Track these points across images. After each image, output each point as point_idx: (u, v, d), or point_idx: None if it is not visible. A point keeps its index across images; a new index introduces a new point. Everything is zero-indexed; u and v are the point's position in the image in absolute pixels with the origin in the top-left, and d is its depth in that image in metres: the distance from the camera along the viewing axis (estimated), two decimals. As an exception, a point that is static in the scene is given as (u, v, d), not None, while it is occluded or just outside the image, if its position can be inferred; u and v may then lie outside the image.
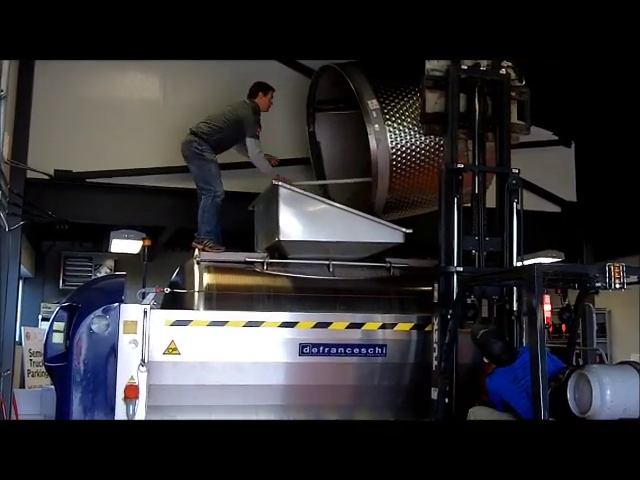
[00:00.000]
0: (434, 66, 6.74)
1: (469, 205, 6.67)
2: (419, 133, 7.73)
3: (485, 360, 6.02)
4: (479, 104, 6.79)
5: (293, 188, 7.21)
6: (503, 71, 6.82)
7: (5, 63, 5.27)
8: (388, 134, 7.73)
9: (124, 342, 6.30)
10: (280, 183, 7.15)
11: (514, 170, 6.60)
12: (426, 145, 7.85)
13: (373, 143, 7.71)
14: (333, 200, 7.87)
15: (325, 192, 8.72)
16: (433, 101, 6.77)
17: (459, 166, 6.48)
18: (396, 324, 6.84)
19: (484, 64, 6.78)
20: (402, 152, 7.79)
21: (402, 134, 7.78)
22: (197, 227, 7.65)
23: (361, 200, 8.20)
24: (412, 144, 7.82)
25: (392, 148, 7.74)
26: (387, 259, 7.48)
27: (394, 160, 7.77)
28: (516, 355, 5.78)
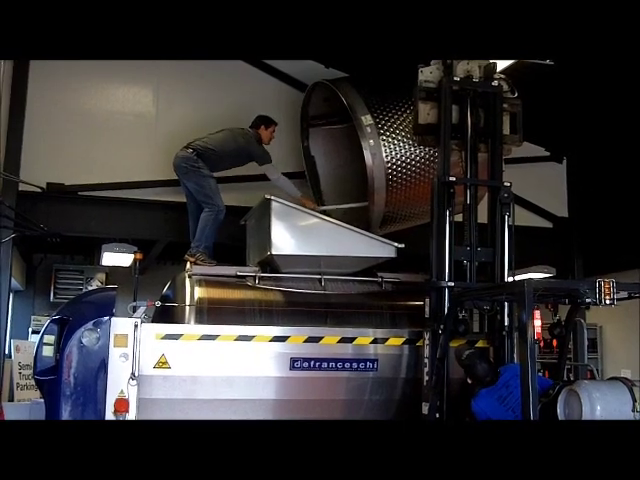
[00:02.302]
0: (427, 77, 6.78)
1: (461, 220, 6.69)
2: (413, 146, 7.76)
3: (469, 381, 6.02)
4: (471, 116, 6.81)
5: (286, 202, 7.22)
6: (495, 83, 6.85)
7: (-2, 76, 5.26)
8: (383, 148, 7.76)
9: (114, 356, 6.28)
10: (273, 197, 7.15)
11: (506, 183, 6.62)
12: (421, 157, 7.89)
13: (369, 158, 7.73)
14: (329, 214, 7.90)
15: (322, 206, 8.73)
16: (425, 112, 6.80)
17: (451, 179, 6.51)
18: (387, 339, 6.84)
19: (477, 75, 6.82)
20: (398, 165, 7.82)
21: (397, 148, 7.81)
22: (190, 240, 7.64)
23: (357, 214, 8.22)
24: (407, 157, 7.85)
25: (387, 162, 7.78)
26: (379, 273, 7.49)
27: (390, 174, 7.80)
28: (498, 376, 5.81)
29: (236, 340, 6.50)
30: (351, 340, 6.74)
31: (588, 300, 5.17)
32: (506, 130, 6.98)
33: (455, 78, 6.72)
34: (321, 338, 6.66)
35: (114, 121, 9.00)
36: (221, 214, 7.69)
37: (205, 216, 7.67)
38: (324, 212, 8.47)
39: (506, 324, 6.46)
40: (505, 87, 6.95)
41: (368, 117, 7.76)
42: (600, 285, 5.03)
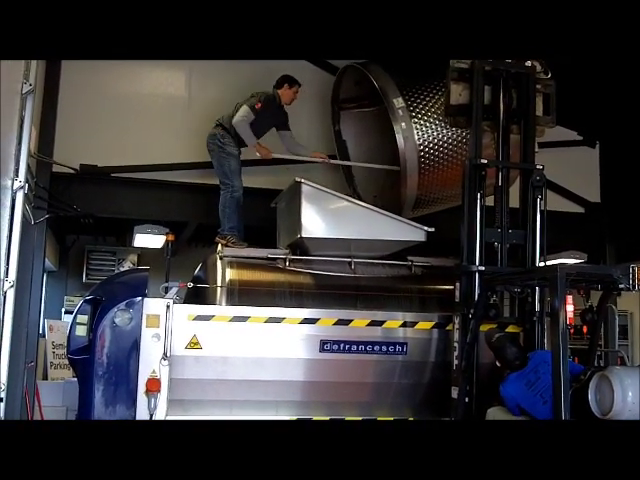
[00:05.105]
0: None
1: (492, 205, 6.65)
2: (445, 128, 7.71)
3: (497, 364, 6.01)
4: (504, 97, 6.76)
5: (316, 185, 7.22)
6: (528, 63, 6.77)
7: (33, 59, 5.31)
8: (415, 131, 7.72)
9: (146, 336, 6.36)
10: (303, 180, 7.16)
11: (538, 166, 6.56)
12: (453, 140, 7.84)
13: (401, 141, 7.69)
14: (361, 198, 7.87)
15: (354, 190, 8.73)
16: (457, 93, 6.75)
17: (483, 161, 6.47)
18: (417, 322, 6.86)
19: (509, 56, 6.75)
20: (430, 148, 7.78)
21: (429, 130, 7.77)
22: (220, 223, 7.68)
23: (389, 197, 8.20)
24: (439, 139, 7.81)
25: (420, 145, 7.74)
26: (409, 257, 7.48)
27: (422, 157, 7.76)
28: (527, 360, 5.79)
29: (266, 322, 6.55)
30: (380, 323, 6.76)
31: (621, 286, 5.13)
32: (539, 111, 6.91)
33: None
34: (351, 321, 6.70)
35: (147, 104, 9.03)
36: (236, 193, 7.67)
37: (221, 197, 7.71)
38: (354, 192, 8.49)
39: (537, 309, 6.43)
40: (538, 68, 6.87)
41: (400, 100, 7.72)
42: (633, 270, 5.00)
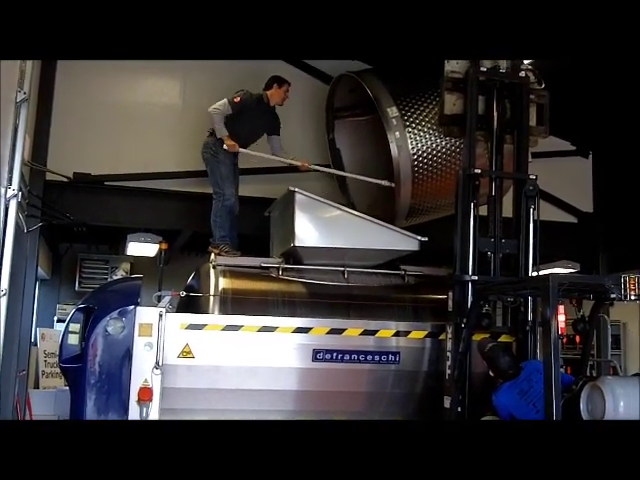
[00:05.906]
0: (453, 67, 6.73)
1: (485, 214, 6.67)
2: (439, 137, 7.73)
3: (490, 373, 6.01)
4: (498, 107, 6.78)
5: (310, 194, 7.24)
6: (522, 74, 6.80)
7: (28, 66, 5.32)
8: (409, 140, 7.74)
9: (139, 345, 6.34)
10: (297, 189, 7.17)
11: (531, 176, 6.58)
12: (447, 149, 7.86)
13: (394, 150, 7.71)
14: (355, 208, 7.89)
15: (348, 200, 8.73)
16: (451, 103, 6.76)
17: (476, 171, 6.48)
18: (410, 332, 6.85)
19: (503, 66, 6.76)
20: (424, 157, 7.80)
21: (423, 139, 7.79)
22: (212, 232, 7.68)
23: (383, 207, 8.20)
24: (433, 149, 7.83)
25: (414, 154, 7.75)
26: (402, 266, 7.49)
27: (416, 166, 7.78)
28: (520, 369, 5.79)
29: (259, 331, 6.54)
30: (373, 333, 6.76)
31: (613, 295, 5.14)
32: (532, 121, 6.92)
33: (482, 69, 6.66)
34: (343, 330, 6.69)
35: (141, 112, 9.04)
36: (227, 202, 7.62)
37: (214, 206, 7.68)
38: (349, 201, 8.50)
39: (530, 319, 6.44)
40: (532, 78, 6.90)
41: (394, 109, 7.74)
42: (625, 281, 5.00)
